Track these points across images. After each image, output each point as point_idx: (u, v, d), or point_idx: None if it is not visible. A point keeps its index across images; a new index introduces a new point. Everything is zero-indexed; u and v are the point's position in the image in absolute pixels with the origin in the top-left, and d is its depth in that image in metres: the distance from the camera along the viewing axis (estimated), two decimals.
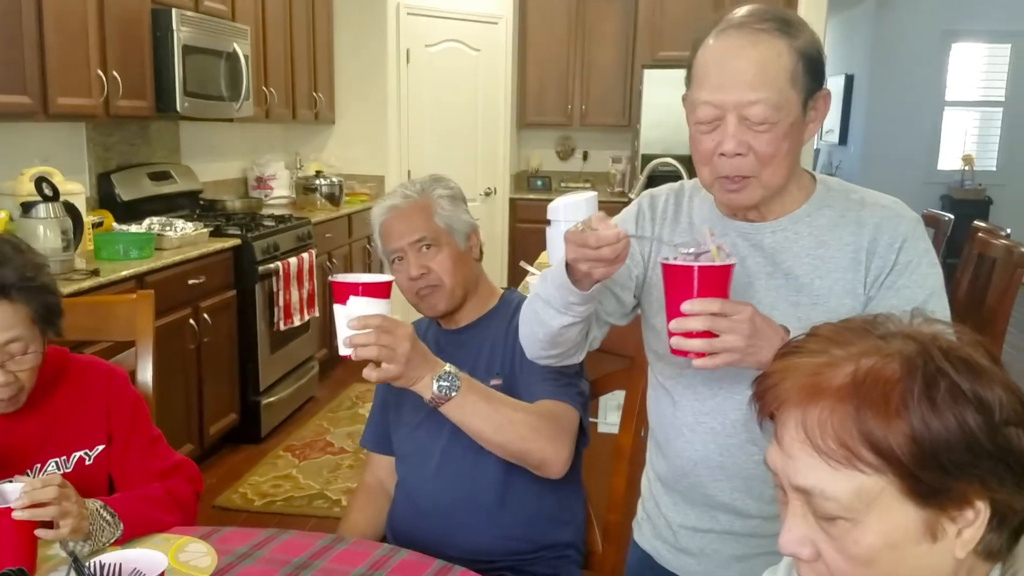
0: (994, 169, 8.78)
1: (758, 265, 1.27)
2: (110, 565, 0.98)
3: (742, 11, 1.19)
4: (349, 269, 5.03)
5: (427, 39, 5.82)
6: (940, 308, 1.22)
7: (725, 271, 1.12)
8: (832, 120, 9.87)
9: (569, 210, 2.80)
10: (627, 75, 6.15)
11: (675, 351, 1.13)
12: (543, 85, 6.34)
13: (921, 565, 0.72)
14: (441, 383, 1.38)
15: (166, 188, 3.99)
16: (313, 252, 4.19)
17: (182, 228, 3.45)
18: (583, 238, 1.11)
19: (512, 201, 6.35)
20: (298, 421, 4.07)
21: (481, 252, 1.72)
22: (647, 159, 5.82)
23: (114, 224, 3.36)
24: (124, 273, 2.84)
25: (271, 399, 3.87)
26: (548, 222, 2.61)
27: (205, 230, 3.57)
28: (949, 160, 8.88)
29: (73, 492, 1.23)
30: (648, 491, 1.48)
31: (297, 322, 3.97)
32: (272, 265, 3.78)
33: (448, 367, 1.39)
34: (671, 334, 1.12)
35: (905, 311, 0.79)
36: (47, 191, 2.68)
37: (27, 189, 2.74)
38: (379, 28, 5.57)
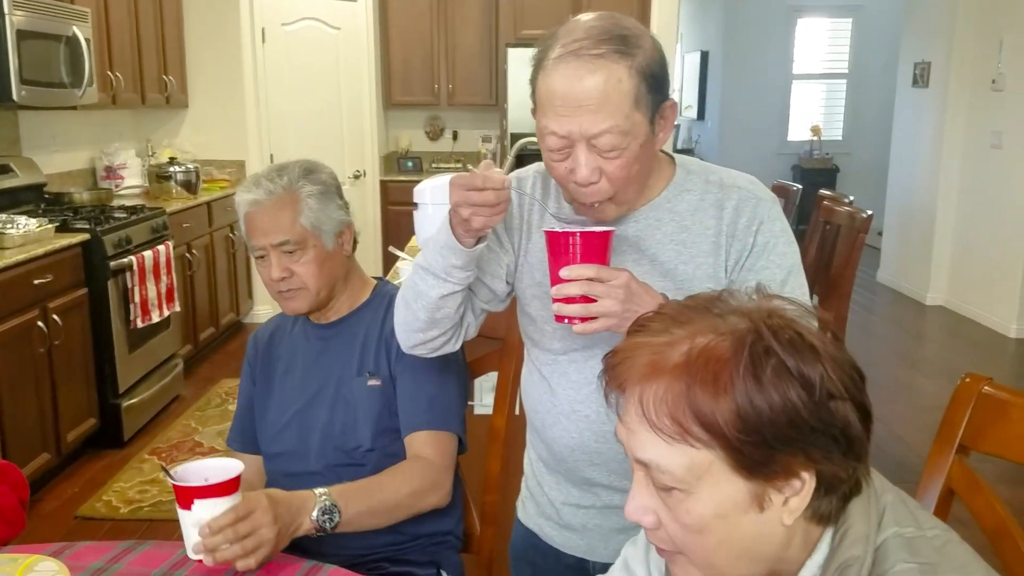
0: (840, 138, 9.35)
1: (624, 254, 1.28)
2: None
3: (579, 31, 1.16)
4: (211, 260, 4.84)
5: (283, 17, 5.63)
6: (798, 285, 1.27)
7: (604, 237, 1.14)
8: (690, 95, 10.22)
9: (436, 193, 2.79)
10: (492, 54, 6.15)
11: (558, 317, 1.16)
12: (408, 64, 6.25)
13: (752, 533, 0.76)
14: (322, 520, 1.32)
15: (6, 183, 3.71)
16: (170, 244, 4.00)
17: (24, 225, 3.22)
18: (470, 180, 1.13)
19: (383, 183, 6.26)
20: (163, 422, 3.89)
21: (355, 245, 1.66)
22: (515, 138, 5.88)
23: None
24: None
25: (132, 400, 3.68)
26: (415, 205, 2.59)
27: (51, 226, 3.35)
28: (799, 131, 9.37)
29: None
30: (531, 470, 1.50)
31: (156, 318, 3.78)
32: (125, 260, 3.57)
33: (318, 503, 1.33)
34: (554, 300, 1.14)
35: (748, 287, 0.82)
36: None
37: None
38: (232, 6, 5.35)
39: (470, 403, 2.04)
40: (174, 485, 1.20)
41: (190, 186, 4.73)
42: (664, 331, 0.78)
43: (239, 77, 5.43)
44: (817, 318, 0.79)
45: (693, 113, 10.21)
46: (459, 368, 1.62)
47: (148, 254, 3.73)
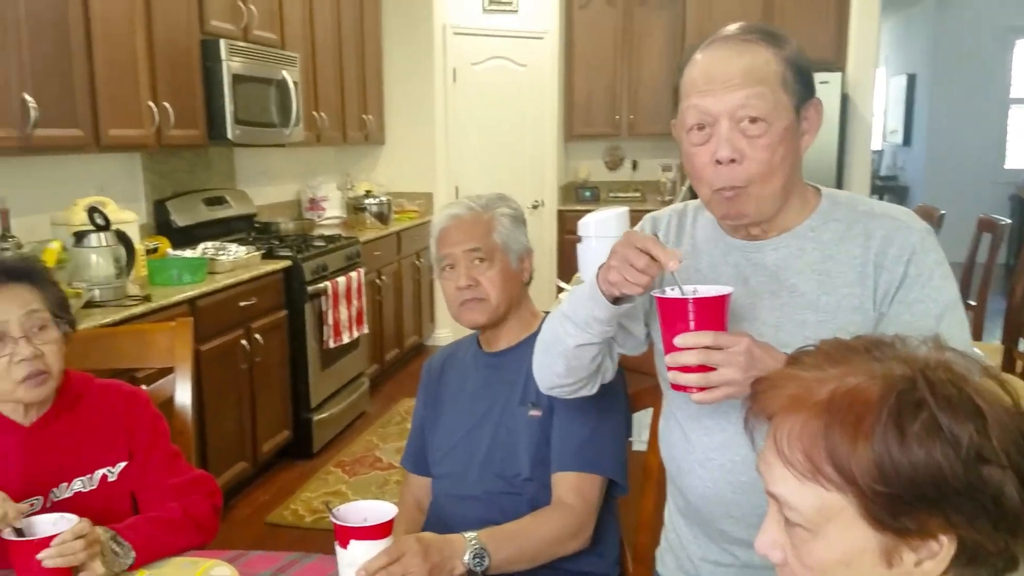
0: None
1: (761, 284, 1.25)
2: None
3: (728, 28, 1.20)
4: (398, 285, 5.11)
5: (473, 57, 5.89)
6: (956, 323, 1.19)
7: (719, 302, 1.09)
8: (895, 119, 9.64)
9: (600, 226, 2.80)
10: (675, 83, 6.11)
11: (674, 386, 1.11)
12: (590, 96, 6.35)
13: None
14: (473, 564, 1.36)
15: (221, 213, 4.11)
16: (362, 271, 4.27)
17: (235, 252, 3.56)
18: (644, 245, 1.10)
19: (560, 213, 6.36)
20: (349, 437, 4.14)
21: (531, 277, 1.74)
22: None
23: (169, 250, 3.48)
24: (176, 298, 2.94)
25: (322, 415, 3.95)
26: (579, 238, 2.62)
27: (257, 253, 3.68)
28: (1016, 159, 8.57)
29: (93, 534, 1.28)
30: (670, 522, 1.47)
31: (346, 339, 4.05)
32: (321, 285, 3.86)
33: (468, 547, 1.36)
34: (669, 369, 1.10)
35: (924, 336, 0.77)
36: (99, 220, 2.79)
37: (80, 219, 2.86)
38: (426, 49, 5.67)
39: (628, 439, 2.03)
40: (334, 524, 1.24)
41: (383, 217, 5.04)
42: (816, 367, 0.76)
43: (431, 114, 5.73)
44: (993, 376, 0.73)
45: (898, 138, 9.61)
46: (618, 406, 1.62)
47: (342, 280, 4.01)
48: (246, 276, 3.40)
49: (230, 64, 3.65)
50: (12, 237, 2.76)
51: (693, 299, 1.08)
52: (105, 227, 2.81)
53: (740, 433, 1.24)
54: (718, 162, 1.16)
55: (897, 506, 0.69)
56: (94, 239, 2.78)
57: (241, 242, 3.88)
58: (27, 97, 2.57)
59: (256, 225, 4.44)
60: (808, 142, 1.23)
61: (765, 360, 1.07)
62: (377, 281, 4.75)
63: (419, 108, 5.73)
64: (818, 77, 5.79)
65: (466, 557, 1.35)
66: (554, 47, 6.16)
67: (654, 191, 6.46)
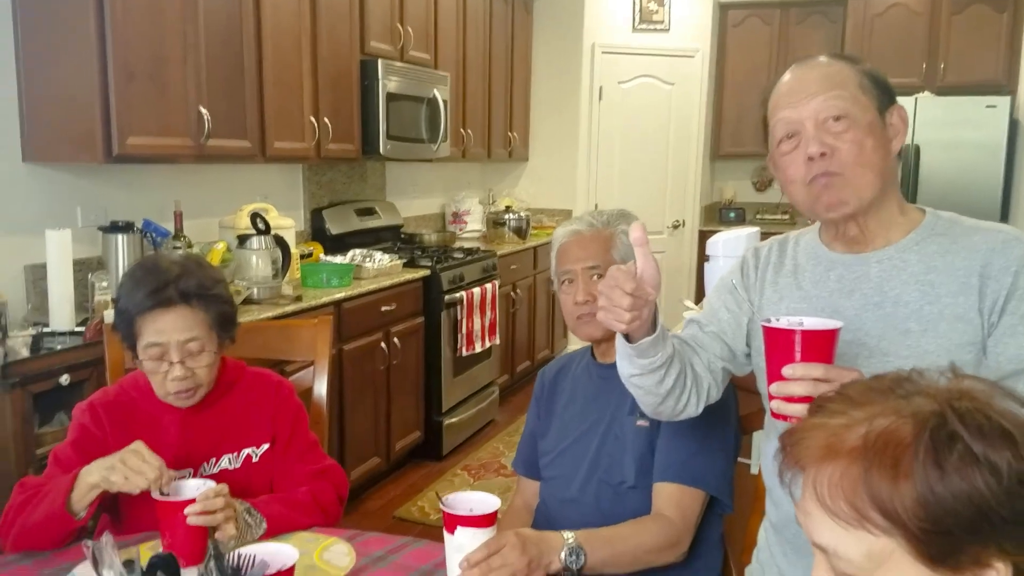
0: None
1: (865, 297, 1.27)
2: (246, 556, 1.13)
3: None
4: (532, 299, 5.22)
5: (621, 76, 5.94)
6: None
7: (829, 336, 1.10)
8: None
9: (728, 246, 2.80)
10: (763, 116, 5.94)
11: (775, 414, 1.13)
12: (740, 115, 6.26)
13: None
14: (569, 561, 1.40)
15: (371, 223, 4.36)
16: (496, 283, 4.41)
17: (380, 259, 3.77)
18: (621, 279, 1.18)
19: (702, 233, 6.29)
20: (476, 443, 4.27)
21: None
22: None
23: (322, 255, 3.73)
24: (324, 299, 3.16)
25: (453, 420, 4.10)
26: (707, 258, 2.62)
27: (399, 261, 3.88)
28: None
29: (230, 501, 1.43)
30: (764, 540, 1.47)
31: (478, 349, 4.19)
32: (457, 294, 4.02)
33: (565, 544, 1.40)
34: (771, 397, 1.12)
35: (941, 367, 0.78)
36: (260, 225, 3.05)
37: (244, 223, 3.12)
38: (574, 68, 5.78)
39: (746, 460, 2.01)
40: (443, 511, 1.33)
41: (520, 232, 5.17)
42: (842, 413, 0.76)
43: (575, 132, 5.84)
44: (1009, 395, 0.74)
45: None
46: (727, 424, 1.63)
47: (477, 291, 4.16)
48: (388, 283, 3.60)
49: (385, 83, 3.89)
50: (184, 237, 3.06)
51: (801, 331, 1.09)
52: (265, 231, 3.07)
53: None
54: (809, 159, 1.22)
55: (947, 541, 0.68)
56: (255, 242, 3.04)
57: (387, 251, 4.11)
58: (202, 110, 2.86)
59: (402, 235, 4.68)
60: (897, 145, 1.27)
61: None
62: (512, 294, 4.88)
63: (563, 126, 5.85)
64: (984, 101, 5.45)
65: (562, 554, 1.40)
66: (704, 65, 6.11)
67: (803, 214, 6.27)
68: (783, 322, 1.12)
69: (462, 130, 4.82)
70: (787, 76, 1.28)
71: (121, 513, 1.60)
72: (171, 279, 1.52)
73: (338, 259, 3.69)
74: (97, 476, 1.40)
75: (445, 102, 4.37)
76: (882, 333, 1.24)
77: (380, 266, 3.70)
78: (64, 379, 2.28)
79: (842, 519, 0.72)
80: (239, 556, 1.13)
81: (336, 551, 1.47)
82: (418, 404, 3.93)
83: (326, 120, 3.57)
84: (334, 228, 4.06)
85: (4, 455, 2.17)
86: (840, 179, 1.22)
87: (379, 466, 3.64)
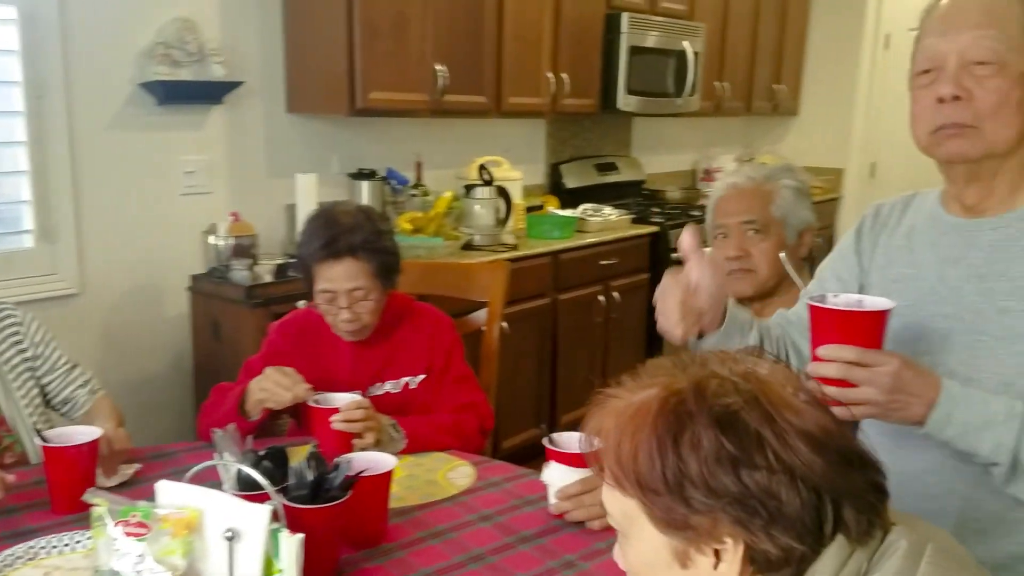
0: None
1: (971, 267, 1.14)
2: (344, 459, 1.28)
3: None
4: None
5: (912, 21, 5.25)
6: None
7: (873, 318, 1.03)
8: None
9: None
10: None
11: None
12: None
13: None
14: None
15: (611, 178, 4.41)
16: None
17: (608, 214, 3.82)
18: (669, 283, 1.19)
19: None
20: None
21: (810, 252, 1.70)
22: None
23: (552, 208, 3.85)
24: (540, 249, 3.29)
25: None
26: None
27: (627, 217, 3.90)
28: None
29: (374, 412, 1.60)
30: None
31: None
32: None
33: None
34: (809, 378, 1.06)
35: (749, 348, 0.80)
36: (485, 177, 3.23)
37: (475, 175, 3.33)
38: (856, 13, 5.32)
39: None
40: (546, 447, 1.42)
41: None
42: (635, 383, 0.81)
43: (852, 85, 5.39)
44: (805, 389, 0.76)
45: None
46: None
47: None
48: (610, 237, 3.64)
49: (629, 36, 3.87)
50: (422, 185, 3.34)
51: (838, 311, 1.04)
52: (489, 183, 3.25)
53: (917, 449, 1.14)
54: (940, 100, 1.09)
55: (671, 511, 0.73)
56: (479, 192, 3.24)
57: (625, 207, 4.13)
58: (438, 67, 3.08)
59: (644, 192, 4.66)
60: None
61: (915, 385, 1.02)
62: None
63: (841, 78, 5.41)
64: None
65: None
66: None
67: None
68: (841, 299, 1.06)
69: (717, 83, 4.66)
70: None
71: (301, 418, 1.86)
72: (342, 232, 1.69)
73: (567, 212, 3.79)
74: (256, 394, 1.64)
75: (696, 54, 4.25)
76: (980, 309, 1.12)
77: (606, 220, 3.75)
78: (301, 304, 2.63)
79: (607, 478, 0.79)
80: (339, 460, 1.28)
81: (460, 472, 1.60)
82: (639, 357, 3.94)
83: (564, 76, 3.65)
84: (571, 182, 4.16)
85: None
86: (972, 132, 1.08)
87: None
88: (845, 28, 5.36)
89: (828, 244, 5.49)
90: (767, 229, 1.63)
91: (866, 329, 1.03)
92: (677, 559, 0.75)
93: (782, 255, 1.31)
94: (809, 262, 1.74)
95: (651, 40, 4.02)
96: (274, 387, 1.62)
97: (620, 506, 0.78)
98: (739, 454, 0.71)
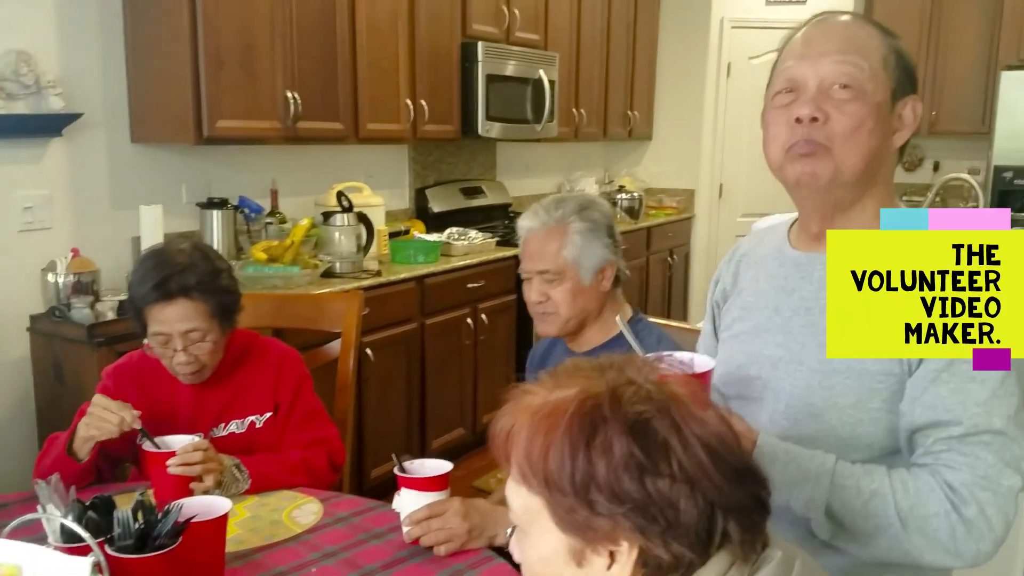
0: None
1: (802, 300, 1.19)
2: (175, 505, 1.22)
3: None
4: (645, 281, 5.14)
5: (751, 51, 5.69)
6: None
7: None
8: None
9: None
10: (986, 78, 5.41)
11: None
12: None
13: None
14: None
15: (476, 202, 4.45)
16: None
17: (473, 237, 3.85)
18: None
19: None
20: None
21: (618, 280, 1.75)
22: (1000, 170, 5.09)
23: (417, 232, 3.85)
24: (404, 275, 3.28)
25: None
26: None
27: (492, 240, 3.94)
28: None
29: (215, 454, 1.54)
30: None
31: None
32: None
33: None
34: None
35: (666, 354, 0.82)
36: (344, 203, 3.20)
37: (334, 201, 3.29)
38: (701, 44, 5.61)
39: None
40: (395, 473, 1.43)
41: (633, 212, 5.09)
42: (553, 382, 0.81)
43: (699, 110, 5.66)
44: (702, 399, 0.78)
45: None
46: None
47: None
48: (476, 260, 3.67)
49: (485, 64, 3.94)
50: (278, 213, 3.27)
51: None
52: (349, 209, 3.22)
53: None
54: (797, 120, 1.10)
55: (574, 512, 0.75)
56: (338, 219, 3.20)
57: (492, 230, 4.17)
58: (289, 94, 3.03)
59: (511, 214, 4.73)
60: (900, 139, 1.15)
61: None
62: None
63: (688, 104, 5.69)
64: None
65: (508, 530, 1.42)
66: None
67: (957, 196, 5.77)
68: (674, 359, 1.03)
69: (574, 110, 4.80)
70: (809, 26, 1.16)
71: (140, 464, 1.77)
72: (174, 272, 1.62)
73: (432, 237, 3.79)
74: (83, 430, 1.56)
75: (552, 83, 4.36)
76: (804, 341, 1.17)
77: (471, 244, 3.78)
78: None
79: (513, 473, 0.80)
80: (169, 505, 1.22)
81: (306, 510, 1.56)
82: (508, 379, 3.97)
83: (423, 102, 3.67)
84: (437, 206, 4.17)
85: None
86: (824, 153, 1.10)
87: (464, 437, 3.74)
88: (691, 57, 5.64)
89: (684, 261, 5.75)
90: (562, 274, 1.67)
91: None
92: (573, 558, 0.77)
93: (617, 318, 1.35)
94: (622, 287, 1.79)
95: (508, 68, 4.10)
96: (99, 418, 1.54)
97: (523, 502, 0.79)
98: (646, 461, 0.73)
